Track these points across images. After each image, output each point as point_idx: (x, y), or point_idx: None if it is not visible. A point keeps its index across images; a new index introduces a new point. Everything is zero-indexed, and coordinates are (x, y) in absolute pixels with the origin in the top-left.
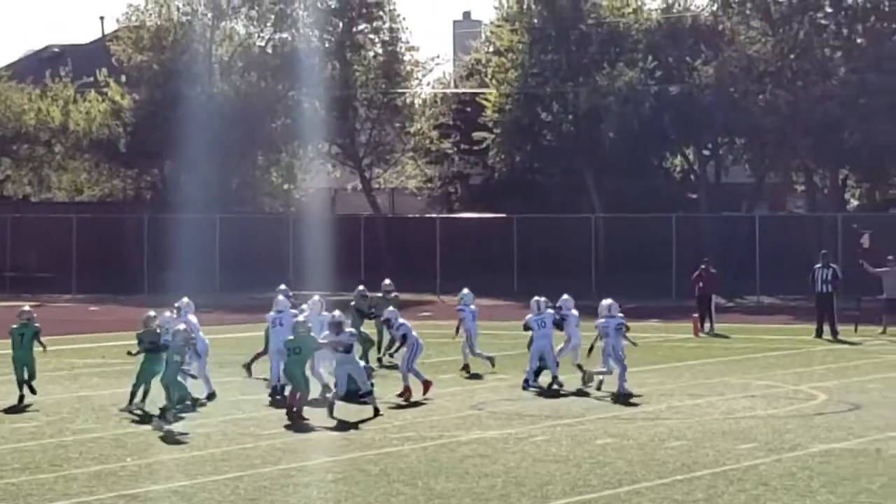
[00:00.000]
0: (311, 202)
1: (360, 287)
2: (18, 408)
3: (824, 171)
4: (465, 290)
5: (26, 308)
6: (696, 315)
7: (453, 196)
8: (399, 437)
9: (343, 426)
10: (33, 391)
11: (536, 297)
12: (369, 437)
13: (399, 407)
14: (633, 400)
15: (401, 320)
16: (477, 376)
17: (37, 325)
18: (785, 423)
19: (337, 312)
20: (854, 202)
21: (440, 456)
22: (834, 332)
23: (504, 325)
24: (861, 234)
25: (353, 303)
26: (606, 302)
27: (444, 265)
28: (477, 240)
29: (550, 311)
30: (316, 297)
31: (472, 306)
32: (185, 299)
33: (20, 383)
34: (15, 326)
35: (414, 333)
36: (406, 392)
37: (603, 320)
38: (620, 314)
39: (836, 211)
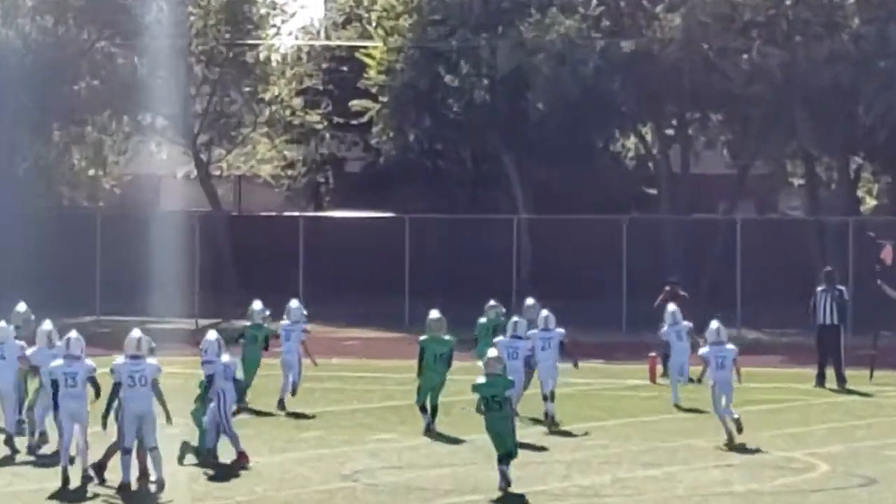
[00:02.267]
0: (128, 194)
1: None
2: None
3: (830, 158)
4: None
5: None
6: (653, 354)
7: (323, 188)
8: None
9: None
10: None
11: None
12: None
13: (240, 475)
14: (565, 470)
15: (213, 357)
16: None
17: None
18: (772, 502)
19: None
20: (870, 202)
21: None
22: (841, 379)
23: (391, 364)
24: (881, 246)
25: None
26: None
27: (310, 282)
28: (355, 248)
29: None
30: (47, 325)
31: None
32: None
33: None
34: None
35: (226, 379)
36: (241, 458)
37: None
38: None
39: (845, 214)
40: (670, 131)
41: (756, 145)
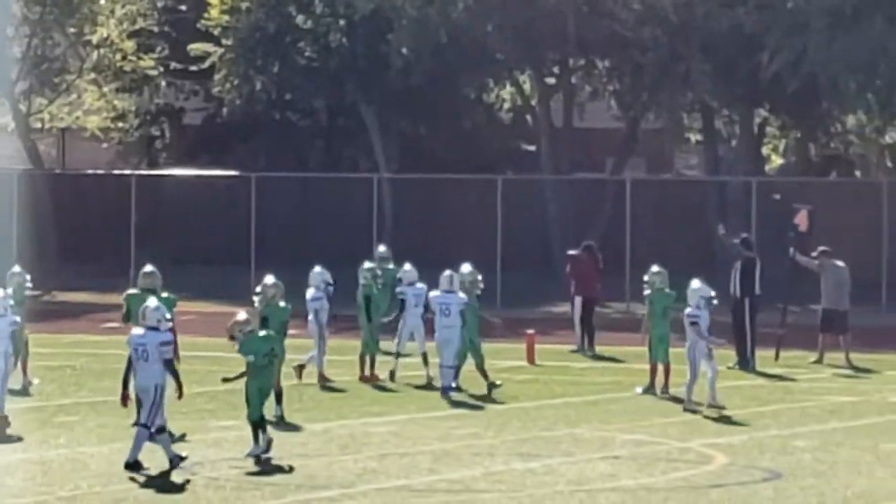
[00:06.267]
0: None
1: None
2: None
3: (731, 111)
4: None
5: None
6: (531, 332)
7: (158, 142)
8: None
9: None
10: None
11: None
12: None
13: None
14: (430, 463)
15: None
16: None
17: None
18: (665, 498)
19: None
20: (776, 160)
21: None
22: (744, 360)
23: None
24: (795, 211)
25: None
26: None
27: (143, 248)
28: (194, 210)
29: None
30: None
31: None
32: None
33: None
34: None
35: None
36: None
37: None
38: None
39: (748, 174)
40: (551, 80)
41: (648, 96)
